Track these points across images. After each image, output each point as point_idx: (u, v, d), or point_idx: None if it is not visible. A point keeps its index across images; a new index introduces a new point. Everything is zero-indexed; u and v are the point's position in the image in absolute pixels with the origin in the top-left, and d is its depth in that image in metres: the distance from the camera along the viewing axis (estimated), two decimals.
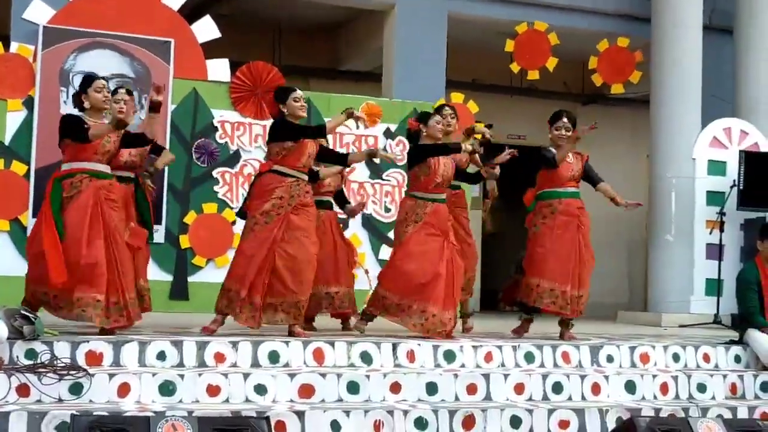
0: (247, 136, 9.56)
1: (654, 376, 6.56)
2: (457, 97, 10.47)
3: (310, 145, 6.60)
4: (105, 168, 6.22)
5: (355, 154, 7.05)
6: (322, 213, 7.35)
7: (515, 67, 11.19)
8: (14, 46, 8.84)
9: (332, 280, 7.45)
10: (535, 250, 7.23)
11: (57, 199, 6.04)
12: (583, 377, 6.35)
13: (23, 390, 5.20)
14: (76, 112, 6.31)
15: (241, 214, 6.77)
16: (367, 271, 9.83)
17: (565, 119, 7.40)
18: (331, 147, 9.66)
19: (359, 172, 9.90)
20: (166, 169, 8.73)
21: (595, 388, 6.34)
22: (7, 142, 8.73)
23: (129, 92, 6.56)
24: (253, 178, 6.89)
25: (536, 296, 7.17)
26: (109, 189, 6.19)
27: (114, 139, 6.25)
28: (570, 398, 6.25)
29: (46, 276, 5.92)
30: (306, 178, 6.64)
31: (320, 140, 6.85)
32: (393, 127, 10.17)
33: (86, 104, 6.26)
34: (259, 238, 6.43)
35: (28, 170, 8.72)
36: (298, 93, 6.69)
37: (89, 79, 6.36)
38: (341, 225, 9.74)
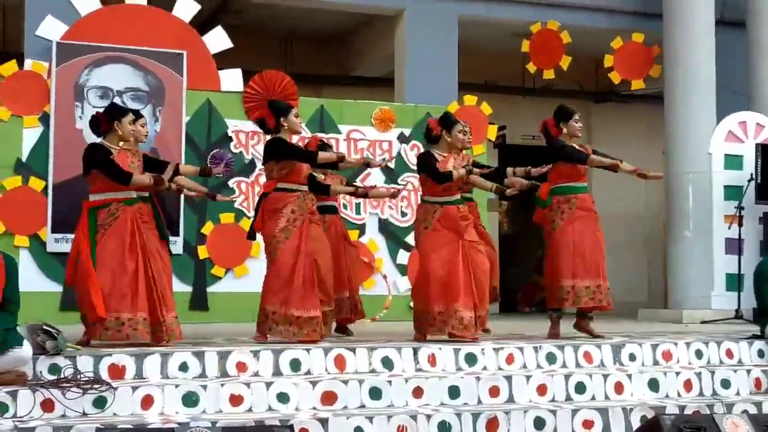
0: (261, 145, 9.54)
1: (677, 374, 6.52)
2: (469, 100, 10.46)
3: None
4: (132, 193, 6.44)
5: (348, 162, 7.10)
6: (327, 218, 7.40)
7: (531, 68, 11.18)
8: (28, 63, 8.89)
9: (338, 287, 7.43)
10: (562, 251, 7.18)
11: (93, 228, 6.30)
12: (606, 376, 6.32)
13: (48, 405, 5.22)
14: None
15: (251, 235, 6.81)
16: (385, 276, 9.85)
17: (577, 117, 7.40)
18: (345, 153, 9.74)
19: (375, 177, 9.91)
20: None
21: (619, 387, 6.30)
22: (24, 158, 8.78)
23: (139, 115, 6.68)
24: (257, 199, 6.94)
25: (574, 297, 7.14)
26: (141, 211, 6.42)
27: (137, 164, 6.49)
28: (593, 398, 6.21)
29: (91, 306, 6.19)
30: (306, 188, 6.75)
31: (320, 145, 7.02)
32: (407, 132, 10.17)
33: (119, 132, 6.45)
34: (287, 253, 6.53)
35: (46, 186, 8.76)
36: (297, 110, 6.88)
37: (121, 110, 6.60)
38: (358, 231, 9.80)
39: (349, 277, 7.63)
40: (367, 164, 7.15)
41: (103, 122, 6.51)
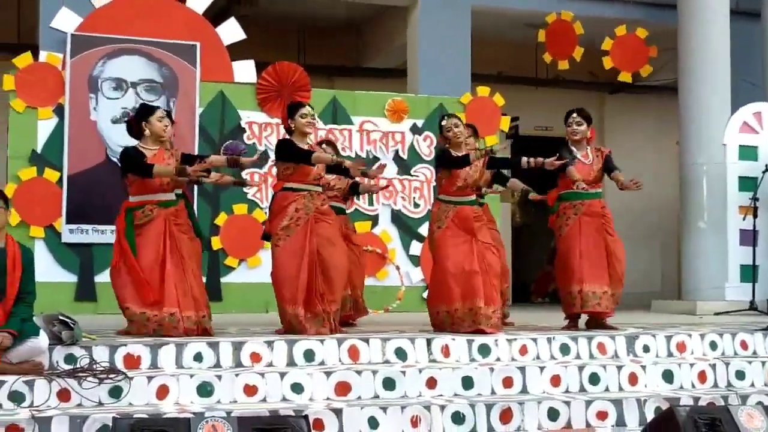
0: (274, 137, 9.58)
1: (691, 365, 6.51)
2: (482, 91, 10.45)
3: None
4: (170, 196, 6.56)
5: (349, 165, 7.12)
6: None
7: (547, 58, 11.17)
8: (43, 55, 8.92)
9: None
10: (569, 258, 7.20)
11: (130, 227, 6.46)
12: (619, 368, 6.32)
13: (64, 395, 5.26)
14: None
15: (266, 236, 6.85)
16: (398, 267, 9.86)
17: (575, 115, 7.40)
18: (357, 145, 9.75)
19: (387, 169, 9.90)
20: None
21: (633, 379, 6.30)
22: (39, 149, 8.82)
23: (169, 115, 6.71)
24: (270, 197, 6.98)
25: (581, 302, 7.15)
26: (176, 215, 6.55)
27: (173, 164, 6.55)
28: (607, 389, 6.21)
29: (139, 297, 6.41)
30: (320, 189, 6.76)
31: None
32: (419, 123, 10.16)
33: (147, 132, 6.55)
34: (287, 251, 6.58)
35: (61, 177, 8.80)
36: (306, 110, 6.79)
37: (150, 108, 6.68)
38: (371, 222, 9.81)
39: (350, 275, 7.62)
40: (364, 174, 7.16)
41: (134, 125, 6.64)
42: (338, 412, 5.33)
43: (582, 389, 6.17)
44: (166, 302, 6.34)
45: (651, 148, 14.27)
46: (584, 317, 7.34)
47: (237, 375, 5.61)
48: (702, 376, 6.48)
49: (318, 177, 6.75)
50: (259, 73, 9.61)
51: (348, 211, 8.17)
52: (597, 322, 7.24)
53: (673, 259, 13.81)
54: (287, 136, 6.79)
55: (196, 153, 8.68)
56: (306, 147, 6.71)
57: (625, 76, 11.32)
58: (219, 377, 5.56)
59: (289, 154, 6.65)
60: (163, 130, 6.56)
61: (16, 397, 5.17)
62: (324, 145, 7.63)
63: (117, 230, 6.55)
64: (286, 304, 6.57)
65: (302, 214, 6.59)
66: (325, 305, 6.58)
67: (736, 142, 10.76)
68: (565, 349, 6.55)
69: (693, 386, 6.41)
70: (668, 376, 6.40)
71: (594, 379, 6.22)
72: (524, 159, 6.96)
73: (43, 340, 5.43)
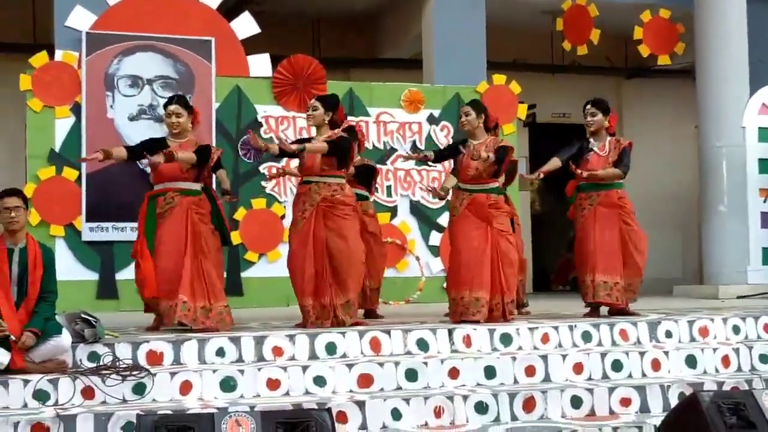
0: (291, 130, 9.60)
1: (715, 350, 6.48)
2: (498, 79, 10.41)
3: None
4: (193, 185, 6.62)
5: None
6: None
7: (567, 45, 11.13)
8: (59, 54, 8.95)
9: None
10: (583, 247, 7.23)
11: (152, 215, 6.54)
12: (642, 354, 6.29)
13: (88, 392, 5.29)
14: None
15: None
16: (418, 258, 9.86)
17: (589, 106, 7.41)
18: (374, 136, 9.73)
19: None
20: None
21: (656, 365, 6.27)
22: (57, 148, 8.86)
23: (185, 104, 6.74)
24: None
25: (593, 291, 7.16)
26: (198, 204, 6.60)
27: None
28: (630, 375, 6.19)
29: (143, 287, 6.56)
30: (328, 180, 6.68)
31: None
32: (436, 113, 10.14)
33: (164, 124, 6.77)
34: (295, 243, 6.70)
35: (80, 175, 8.84)
36: (309, 103, 6.92)
37: (165, 104, 6.79)
38: (390, 213, 9.80)
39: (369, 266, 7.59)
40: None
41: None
42: (361, 405, 5.33)
43: (605, 376, 6.14)
44: (181, 290, 6.36)
45: (669, 132, 14.18)
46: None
47: (259, 369, 5.62)
48: (725, 361, 6.45)
49: (322, 168, 6.69)
50: (274, 66, 9.61)
51: (371, 199, 8.07)
52: (617, 311, 7.22)
53: (694, 244, 13.74)
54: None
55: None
56: (315, 139, 6.75)
57: (664, 59, 11.27)
58: (242, 372, 5.58)
59: (282, 152, 6.71)
60: (170, 125, 6.67)
61: (40, 396, 5.21)
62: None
63: (139, 219, 6.64)
64: (297, 295, 6.69)
65: (307, 206, 6.65)
66: (333, 297, 6.59)
67: (756, 125, 10.68)
68: (587, 337, 6.53)
69: (716, 371, 6.38)
70: (691, 361, 6.37)
71: (617, 365, 6.20)
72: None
73: (66, 338, 5.46)
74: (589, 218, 7.23)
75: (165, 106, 6.71)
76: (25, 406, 5.18)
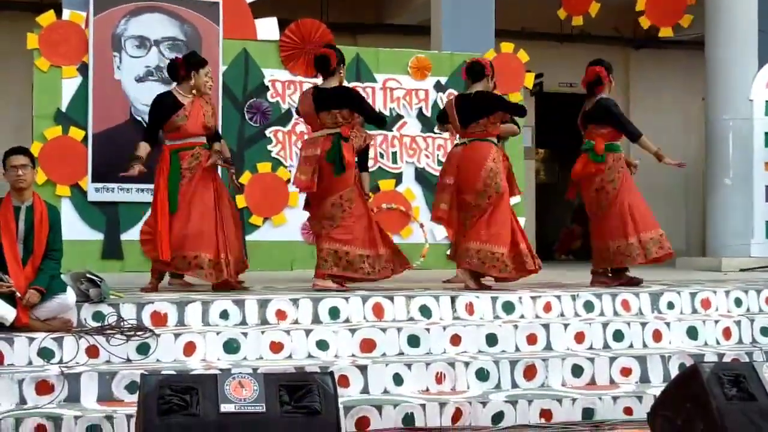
0: (298, 95, 9.54)
1: (716, 322, 6.51)
2: (506, 47, 10.35)
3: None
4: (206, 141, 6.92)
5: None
6: None
7: (562, 14, 11.05)
8: (66, 14, 8.90)
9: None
10: (635, 209, 7.26)
11: (176, 171, 6.64)
12: (644, 324, 6.32)
13: (92, 351, 5.33)
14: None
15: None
16: (422, 225, 9.86)
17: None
18: (381, 102, 9.70)
19: (411, 126, 9.88)
20: (220, 130, 8.79)
21: (657, 335, 6.31)
22: (64, 108, 8.83)
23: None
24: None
25: (644, 251, 7.23)
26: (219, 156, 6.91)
27: (211, 112, 6.95)
28: (631, 346, 6.23)
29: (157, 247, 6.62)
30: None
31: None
32: (443, 80, 10.09)
33: (191, 80, 6.80)
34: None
35: (86, 135, 8.83)
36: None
37: (202, 60, 6.97)
38: (395, 180, 9.79)
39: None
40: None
41: (182, 69, 6.85)
42: (363, 369, 5.38)
43: (606, 346, 6.18)
44: (206, 247, 6.57)
45: (677, 103, 14.13)
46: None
47: (263, 332, 5.66)
48: (727, 333, 6.48)
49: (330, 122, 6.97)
50: (282, 30, 9.56)
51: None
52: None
53: (698, 215, 13.74)
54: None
55: (219, 111, 8.68)
56: None
57: (666, 32, 11.16)
58: (245, 334, 5.62)
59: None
60: (204, 85, 6.87)
61: (45, 354, 5.26)
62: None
63: (159, 175, 6.66)
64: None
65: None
66: None
67: (763, 98, 10.64)
68: (589, 306, 6.56)
69: (717, 343, 6.42)
70: (693, 332, 6.40)
71: (618, 336, 6.23)
72: None
73: (70, 296, 5.50)
74: (625, 181, 7.29)
75: (204, 64, 6.93)
76: (30, 363, 5.23)
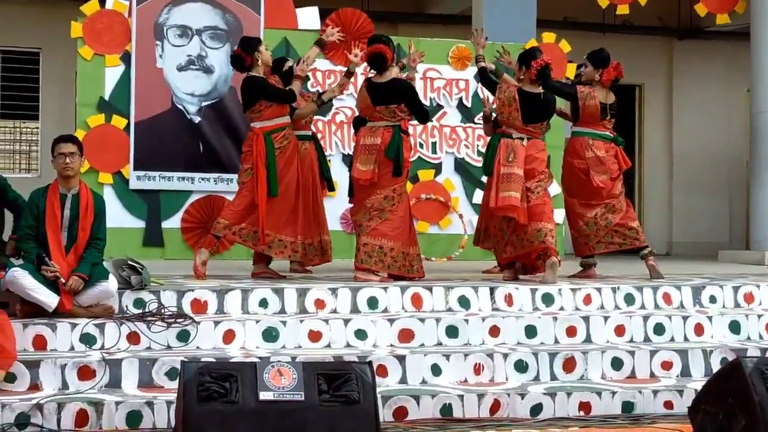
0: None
1: (759, 316, 6.42)
2: (548, 37, 10.28)
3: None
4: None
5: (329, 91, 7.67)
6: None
7: (603, 2, 10.95)
8: (110, 2, 8.97)
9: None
10: None
11: (272, 153, 6.69)
12: (685, 318, 6.26)
13: (133, 338, 5.39)
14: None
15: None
16: (461, 216, 9.84)
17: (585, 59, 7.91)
18: (421, 93, 9.67)
19: (451, 117, 9.84)
20: None
21: (698, 329, 6.24)
22: (107, 97, 8.92)
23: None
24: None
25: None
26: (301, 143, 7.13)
27: (279, 86, 6.98)
28: (672, 339, 6.17)
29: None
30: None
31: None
32: None
33: (259, 61, 6.85)
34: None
35: (128, 124, 8.90)
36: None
37: (255, 39, 7.21)
38: (434, 170, 9.76)
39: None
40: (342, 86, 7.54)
41: (246, 56, 6.88)
42: (401, 359, 5.38)
43: (646, 339, 6.13)
44: (296, 229, 6.76)
45: (721, 95, 13.93)
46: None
47: (301, 321, 5.68)
48: None
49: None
50: (322, 20, 9.56)
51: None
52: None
53: (741, 209, 13.56)
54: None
55: None
56: None
57: (723, 18, 11.04)
58: (284, 323, 5.64)
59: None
60: (270, 57, 7.01)
61: (87, 339, 5.32)
62: None
63: (257, 156, 6.67)
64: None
65: None
66: None
67: None
68: (629, 299, 6.51)
69: (760, 337, 6.34)
70: (735, 327, 6.33)
71: (659, 329, 6.18)
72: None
73: (112, 283, 5.56)
74: None
75: (259, 41, 7.12)
76: (72, 348, 5.30)
